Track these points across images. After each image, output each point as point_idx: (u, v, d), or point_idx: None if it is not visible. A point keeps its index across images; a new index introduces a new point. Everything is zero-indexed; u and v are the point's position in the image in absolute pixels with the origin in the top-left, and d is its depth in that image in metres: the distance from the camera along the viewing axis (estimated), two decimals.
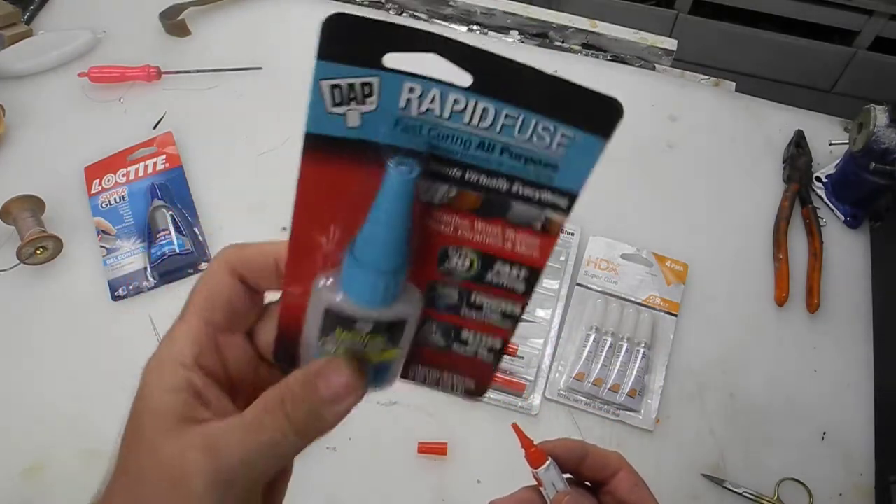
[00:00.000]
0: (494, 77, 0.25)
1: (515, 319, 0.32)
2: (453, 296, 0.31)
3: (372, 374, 0.31)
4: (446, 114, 0.26)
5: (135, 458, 0.30)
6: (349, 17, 0.24)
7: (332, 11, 0.24)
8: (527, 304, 0.31)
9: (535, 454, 0.46)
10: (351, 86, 0.25)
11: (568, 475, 0.47)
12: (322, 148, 0.27)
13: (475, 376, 0.34)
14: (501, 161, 0.27)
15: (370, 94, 0.26)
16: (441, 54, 0.25)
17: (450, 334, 0.32)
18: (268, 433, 0.29)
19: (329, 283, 0.29)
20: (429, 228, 0.29)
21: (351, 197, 0.28)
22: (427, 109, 0.26)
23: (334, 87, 0.25)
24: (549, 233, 0.29)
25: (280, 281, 0.31)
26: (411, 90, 0.26)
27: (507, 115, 0.26)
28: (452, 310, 0.32)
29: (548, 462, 0.45)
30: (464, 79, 0.26)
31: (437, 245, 0.30)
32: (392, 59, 0.25)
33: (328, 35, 0.24)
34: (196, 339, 0.31)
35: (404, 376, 0.34)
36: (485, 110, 0.26)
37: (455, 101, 0.26)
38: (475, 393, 0.35)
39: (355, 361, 0.30)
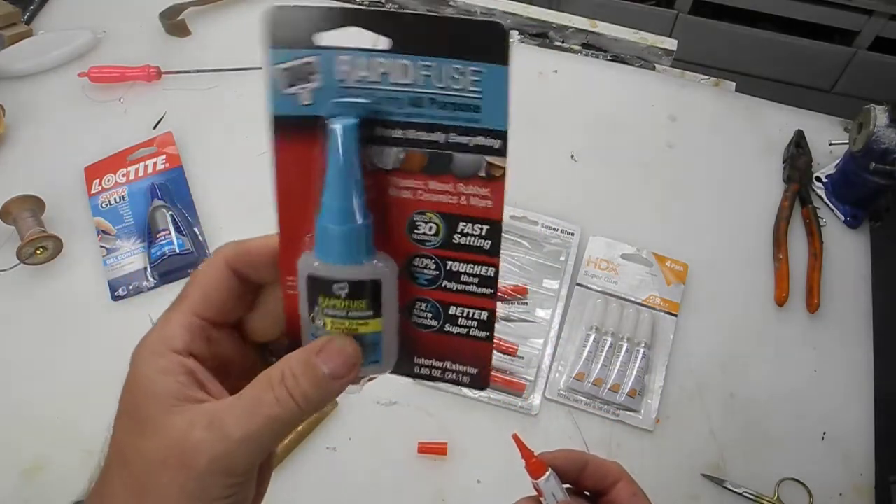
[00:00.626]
0: (405, 35, 0.29)
1: (493, 285, 0.34)
2: (431, 266, 0.34)
3: (366, 351, 0.33)
4: (376, 77, 0.30)
5: (134, 443, 0.30)
6: (285, 7, 0.29)
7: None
8: (497, 266, 0.34)
9: (535, 465, 0.46)
10: (296, 67, 0.30)
11: (568, 485, 0.47)
12: (287, 128, 0.31)
13: (475, 361, 0.36)
14: (433, 113, 0.31)
15: (313, 73, 0.30)
16: (361, 25, 0.29)
17: (439, 313, 0.35)
18: (268, 409, 0.30)
19: (307, 254, 0.32)
20: (392, 198, 0.32)
21: (318, 170, 0.31)
22: (361, 77, 0.30)
23: (284, 70, 0.30)
24: (494, 178, 0.32)
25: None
26: (343, 62, 0.30)
27: (423, 66, 0.30)
28: (434, 283, 0.34)
29: (548, 472, 0.46)
30: (385, 43, 0.30)
31: (403, 215, 0.33)
32: (329, 39, 0.29)
33: (271, 25, 0.29)
34: (188, 329, 0.32)
35: (408, 373, 0.36)
36: (404, 66, 0.30)
37: (380, 65, 0.30)
38: (479, 381, 0.36)
39: (351, 338, 0.32)
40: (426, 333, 0.35)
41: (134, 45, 0.98)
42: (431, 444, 0.72)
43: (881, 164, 0.81)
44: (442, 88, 0.30)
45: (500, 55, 0.29)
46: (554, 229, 0.83)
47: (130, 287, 0.80)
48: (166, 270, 0.80)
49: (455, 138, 0.31)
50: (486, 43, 0.29)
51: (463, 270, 0.34)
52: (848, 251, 0.86)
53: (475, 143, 0.31)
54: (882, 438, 0.74)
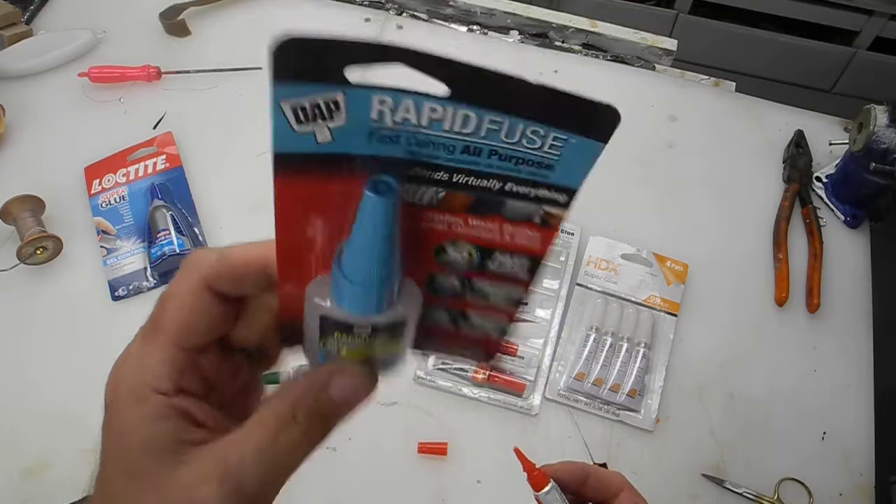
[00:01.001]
0: (472, 86, 0.24)
1: (520, 304, 0.31)
2: (455, 284, 0.30)
3: (383, 365, 0.31)
4: (424, 122, 0.25)
5: (132, 498, 0.27)
6: (301, 39, 0.22)
7: (284, 37, 0.22)
8: (531, 288, 0.31)
9: (538, 477, 0.46)
10: (315, 104, 0.24)
11: (571, 496, 0.47)
12: (294, 165, 0.25)
13: (486, 349, 0.34)
14: (490, 163, 0.26)
15: (337, 110, 0.24)
16: (409, 65, 0.23)
17: (456, 318, 0.32)
18: (283, 449, 0.28)
19: (321, 292, 0.28)
20: (421, 228, 0.28)
21: (333, 204, 0.27)
22: (403, 119, 0.24)
23: (296, 107, 0.24)
24: (550, 226, 0.28)
25: (269, 284, 0.30)
26: (382, 102, 0.24)
27: (490, 121, 0.24)
28: (457, 297, 0.31)
29: (549, 485, 0.46)
30: (439, 86, 0.24)
31: (432, 241, 0.29)
32: (358, 72, 0.23)
33: (281, 58, 0.22)
34: (173, 366, 0.29)
35: (416, 347, 0.34)
36: (466, 117, 0.24)
37: (432, 110, 0.24)
38: (487, 357, 0.35)
39: (363, 363, 0.30)
40: (442, 328, 0.33)
41: (134, 45, 0.98)
42: (431, 444, 0.72)
43: (881, 164, 0.81)
44: (510, 144, 0.25)
45: (603, 135, 0.25)
46: None
47: (130, 287, 0.80)
48: (166, 270, 0.80)
49: (514, 188, 0.27)
50: (590, 120, 0.25)
51: (491, 291, 0.31)
52: (848, 251, 0.86)
53: (537, 195, 0.27)
54: (882, 438, 0.74)
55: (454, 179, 0.27)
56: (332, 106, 0.24)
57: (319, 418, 0.28)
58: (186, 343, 0.29)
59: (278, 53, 0.22)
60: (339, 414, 0.29)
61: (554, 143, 0.25)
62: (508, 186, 0.27)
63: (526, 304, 0.32)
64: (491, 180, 0.27)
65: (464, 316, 0.32)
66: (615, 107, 0.24)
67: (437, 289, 0.31)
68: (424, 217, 0.28)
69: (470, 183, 0.27)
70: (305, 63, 0.23)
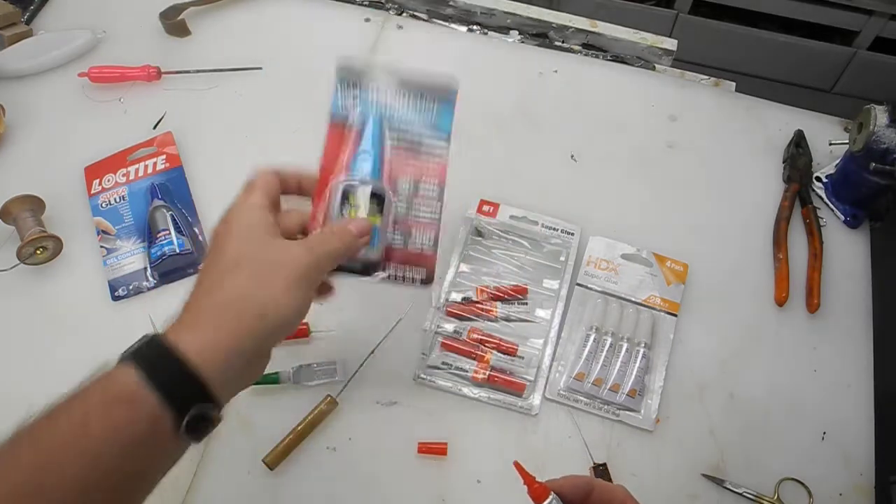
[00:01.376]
0: (408, 84, 0.62)
1: (437, 218, 0.62)
2: (403, 206, 0.62)
3: (371, 235, 0.58)
4: (387, 104, 0.62)
5: (255, 252, 0.52)
6: (347, 65, 0.62)
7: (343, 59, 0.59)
8: (441, 206, 0.62)
9: (538, 490, 0.47)
10: (349, 95, 0.61)
11: None
12: (336, 123, 0.61)
13: (425, 265, 0.62)
14: (411, 121, 0.62)
15: (356, 99, 0.62)
16: (380, 79, 0.62)
17: (405, 237, 0.62)
18: (331, 244, 0.55)
19: (343, 176, 0.61)
20: (390, 167, 0.61)
21: (346, 145, 0.61)
22: (380, 103, 0.62)
23: (342, 98, 0.62)
24: (442, 160, 0.62)
25: (296, 189, 0.60)
26: (371, 96, 0.61)
27: (412, 101, 0.62)
28: (405, 215, 0.62)
29: (550, 497, 0.46)
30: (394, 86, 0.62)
31: (393, 177, 0.62)
32: (366, 80, 0.63)
33: (341, 71, 0.62)
34: (265, 198, 0.55)
35: (382, 271, 0.61)
36: (406, 99, 0.62)
37: (391, 99, 0.62)
38: (426, 280, 0.63)
39: (365, 218, 0.59)
40: (396, 249, 0.62)
41: (134, 45, 0.98)
42: (431, 444, 0.72)
43: (881, 164, 0.81)
44: (420, 111, 0.62)
45: (452, 98, 0.62)
46: (554, 229, 0.83)
47: (130, 287, 0.80)
48: (166, 270, 0.80)
49: (423, 139, 0.62)
50: (445, 91, 0.62)
51: (422, 209, 0.62)
52: (848, 251, 0.86)
53: (432, 143, 0.62)
54: (882, 438, 0.74)
55: (398, 136, 0.62)
56: (356, 98, 0.62)
57: (344, 236, 0.56)
58: (269, 195, 0.56)
59: (340, 69, 0.62)
60: (352, 237, 0.57)
61: (434, 107, 0.62)
62: (419, 139, 0.62)
63: (440, 217, 0.63)
64: (413, 135, 0.62)
65: (409, 234, 0.62)
66: (454, 80, 0.62)
67: (396, 214, 0.61)
68: (389, 159, 0.61)
69: (406, 137, 0.62)
70: (348, 75, 0.62)
